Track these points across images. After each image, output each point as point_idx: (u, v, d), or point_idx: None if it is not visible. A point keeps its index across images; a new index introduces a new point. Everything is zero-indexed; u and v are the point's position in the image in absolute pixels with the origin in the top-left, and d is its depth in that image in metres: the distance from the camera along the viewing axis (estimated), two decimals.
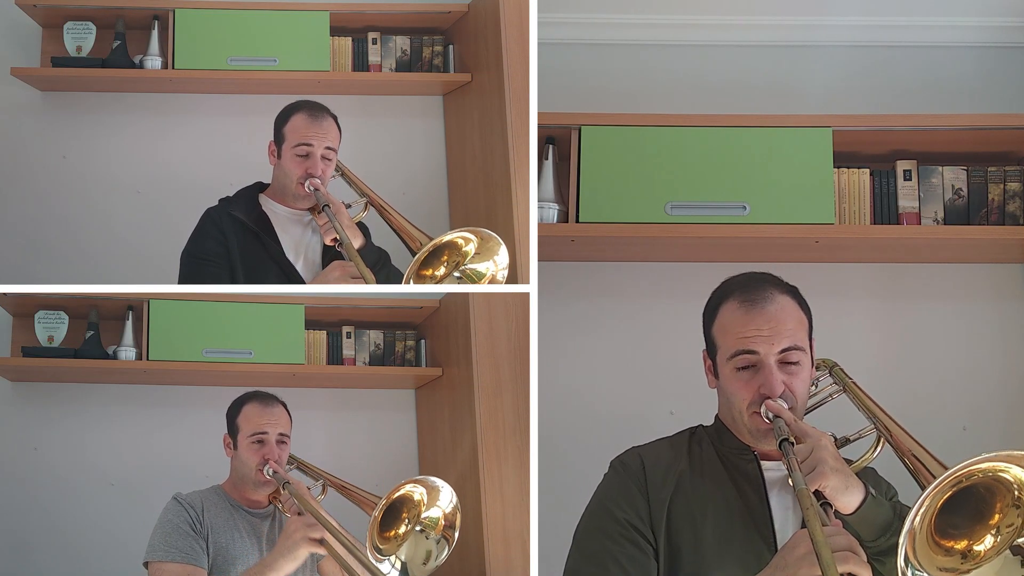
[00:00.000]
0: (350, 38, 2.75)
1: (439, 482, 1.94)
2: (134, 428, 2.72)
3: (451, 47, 2.79)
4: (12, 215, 2.71)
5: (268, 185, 2.23)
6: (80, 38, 2.68)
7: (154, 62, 2.65)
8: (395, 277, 2.18)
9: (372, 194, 2.19)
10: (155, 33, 2.66)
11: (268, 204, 2.19)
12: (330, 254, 2.18)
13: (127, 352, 2.61)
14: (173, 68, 2.62)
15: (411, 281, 1.97)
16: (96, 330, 2.64)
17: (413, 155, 2.86)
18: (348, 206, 2.15)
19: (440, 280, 2.03)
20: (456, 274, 2.02)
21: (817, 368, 1.75)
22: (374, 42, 2.77)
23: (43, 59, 2.72)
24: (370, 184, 2.25)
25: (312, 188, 2.10)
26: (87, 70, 2.64)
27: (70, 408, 2.71)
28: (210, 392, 2.57)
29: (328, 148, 2.14)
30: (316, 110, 2.16)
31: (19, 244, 2.70)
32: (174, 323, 2.57)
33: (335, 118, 2.18)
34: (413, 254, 2.02)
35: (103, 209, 2.74)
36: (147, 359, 2.56)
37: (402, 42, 2.79)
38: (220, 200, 2.19)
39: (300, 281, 2.15)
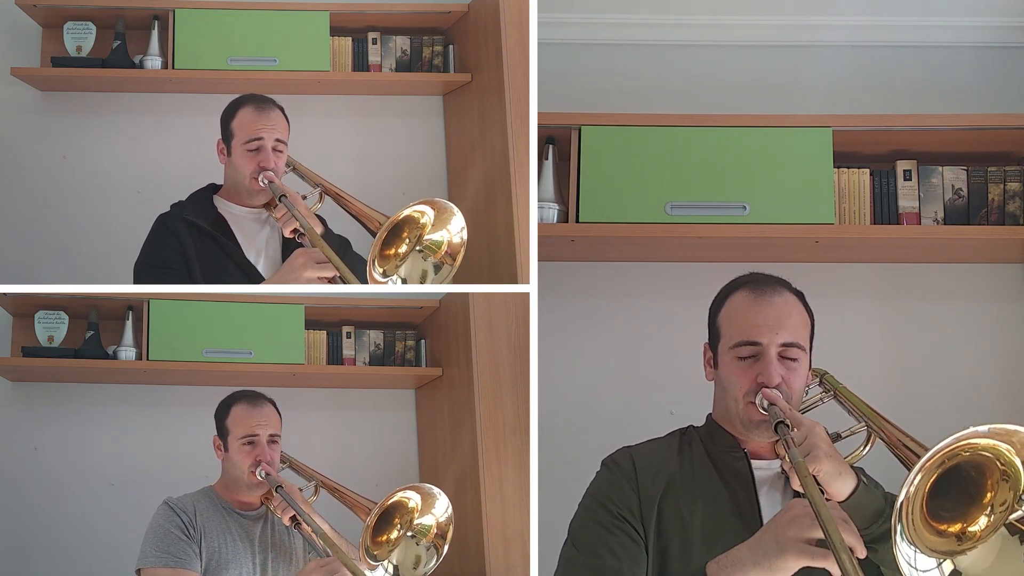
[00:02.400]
0: (350, 38, 2.75)
1: (436, 490, 1.93)
2: (134, 428, 2.71)
3: (451, 47, 2.79)
4: (12, 215, 2.70)
5: (221, 186, 2.17)
6: (80, 38, 2.68)
7: (154, 62, 2.65)
8: (358, 264, 2.08)
9: (325, 183, 2.12)
10: (155, 33, 2.66)
11: (223, 205, 2.13)
12: (291, 249, 2.09)
13: (127, 352, 2.61)
14: (173, 68, 2.62)
15: (375, 262, 1.91)
16: (96, 330, 2.64)
17: (413, 155, 2.86)
18: (304, 197, 2.08)
19: (404, 257, 1.95)
20: (418, 248, 1.95)
21: None
22: (374, 42, 2.77)
23: (43, 59, 2.72)
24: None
25: (266, 181, 2.04)
26: (87, 70, 2.64)
27: (70, 408, 2.71)
28: (210, 392, 2.55)
29: (278, 140, 2.08)
30: (262, 102, 2.10)
31: (19, 244, 2.70)
32: (174, 323, 2.57)
33: (282, 109, 2.12)
34: (375, 236, 1.98)
35: (103, 209, 2.73)
36: (147, 359, 2.56)
37: (402, 42, 2.79)
38: (172, 205, 2.14)
39: (262, 281, 2.10)
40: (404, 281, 1.93)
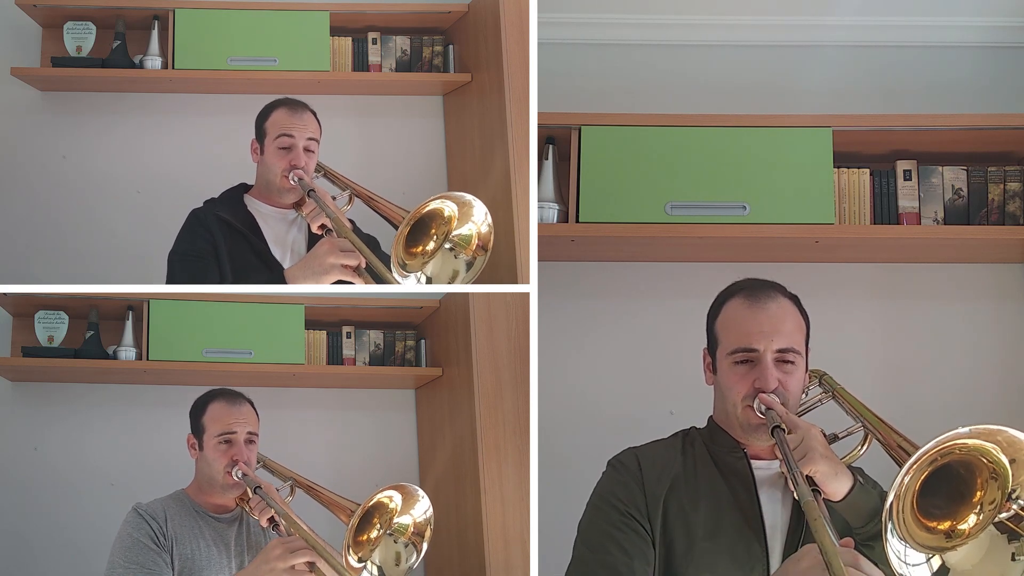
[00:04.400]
0: (350, 38, 2.75)
1: (419, 491, 1.89)
2: (134, 428, 2.71)
3: (451, 47, 2.79)
4: (12, 215, 2.71)
5: (252, 187, 2.21)
6: (80, 38, 2.68)
7: (154, 62, 2.65)
8: (386, 262, 2.06)
9: (356, 186, 2.13)
10: (155, 33, 2.66)
11: (253, 204, 2.16)
12: None
13: (127, 352, 2.61)
14: (173, 68, 2.62)
15: (401, 258, 1.89)
16: (96, 330, 2.64)
17: (413, 155, 2.86)
18: (333, 198, 2.09)
19: (433, 254, 1.94)
20: (447, 245, 1.93)
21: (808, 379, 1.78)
22: (374, 42, 2.77)
23: (43, 59, 2.72)
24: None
25: (296, 179, 2.07)
26: (87, 70, 2.64)
27: (70, 408, 2.71)
28: None
29: (310, 139, 2.11)
30: (296, 104, 2.15)
31: (19, 244, 2.70)
32: (174, 323, 2.57)
33: (315, 113, 2.16)
34: None
35: (103, 209, 2.74)
36: (147, 359, 2.56)
37: (402, 42, 2.79)
38: (205, 201, 2.17)
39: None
40: (429, 279, 1.92)
